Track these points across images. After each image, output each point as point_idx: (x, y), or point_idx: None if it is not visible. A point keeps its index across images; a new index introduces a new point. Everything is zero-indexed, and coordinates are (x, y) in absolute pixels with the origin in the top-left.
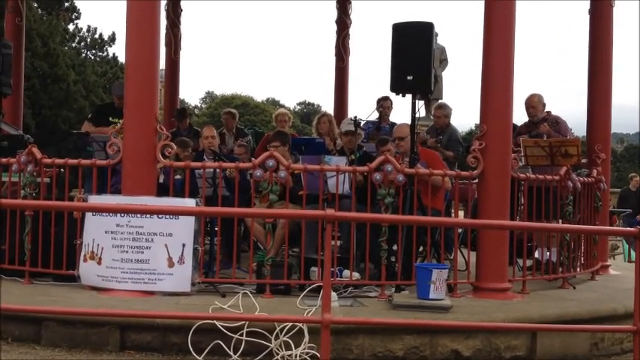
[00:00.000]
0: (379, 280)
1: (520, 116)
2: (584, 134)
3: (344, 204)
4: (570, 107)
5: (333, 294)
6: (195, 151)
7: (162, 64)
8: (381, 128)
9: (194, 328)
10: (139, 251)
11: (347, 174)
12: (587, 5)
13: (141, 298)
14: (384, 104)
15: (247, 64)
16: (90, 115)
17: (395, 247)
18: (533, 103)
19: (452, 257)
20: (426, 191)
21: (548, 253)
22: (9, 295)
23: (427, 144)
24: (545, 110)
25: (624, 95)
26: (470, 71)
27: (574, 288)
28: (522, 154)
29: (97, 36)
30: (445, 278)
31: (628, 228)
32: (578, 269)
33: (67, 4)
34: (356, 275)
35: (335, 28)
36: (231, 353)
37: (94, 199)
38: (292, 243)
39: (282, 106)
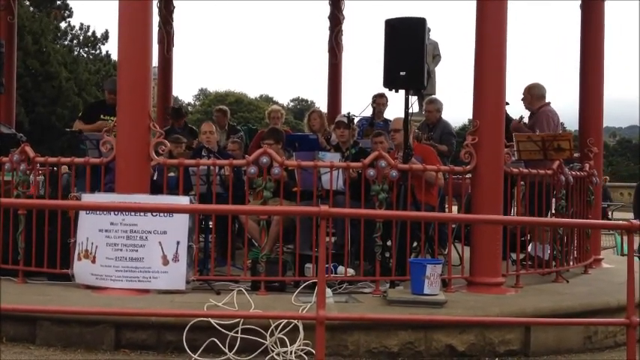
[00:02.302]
0: (374, 276)
1: (513, 112)
2: (577, 128)
3: (338, 200)
4: (562, 101)
5: (328, 290)
6: (191, 149)
7: (154, 61)
8: (374, 124)
9: (189, 325)
10: (134, 249)
11: (341, 170)
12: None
13: (135, 296)
14: (378, 101)
15: (240, 61)
16: (81, 114)
17: (389, 243)
18: (523, 93)
19: (446, 252)
20: (420, 187)
21: (541, 247)
22: (3, 294)
23: (420, 140)
24: (546, 102)
25: (616, 89)
26: (462, 66)
27: (567, 282)
28: (515, 148)
29: (89, 34)
30: (439, 273)
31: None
32: (572, 263)
33: (59, 2)
34: (350, 271)
35: (328, 24)
36: (227, 351)
37: (88, 198)
38: (287, 240)
39: (276, 103)
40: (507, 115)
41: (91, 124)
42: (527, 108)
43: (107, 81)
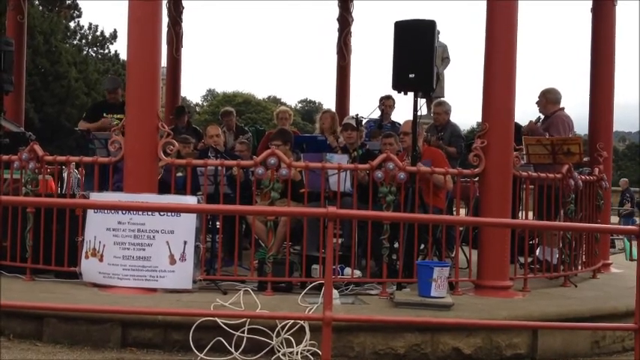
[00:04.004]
0: (381, 278)
1: (521, 115)
2: (586, 132)
3: (345, 202)
4: (572, 105)
5: (335, 292)
6: (196, 149)
7: (163, 61)
8: (382, 126)
9: (195, 325)
10: (141, 248)
11: (348, 172)
12: (589, 4)
13: (142, 295)
14: (386, 103)
15: (249, 61)
16: (85, 114)
17: (396, 245)
18: (539, 97)
19: (453, 255)
20: (428, 189)
21: (550, 251)
22: (10, 291)
23: (430, 143)
24: (560, 107)
25: (626, 93)
26: (472, 69)
27: (575, 286)
28: (524, 152)
29: (98, 33)
30: (446, 276)
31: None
32: (580, 267)
33: (68, 1)
34: (357, 273)
35: (337, 25)
36: (233, 350)
37: (96, 197)
38: (294, 241)
39: (284, 104)
40: (515, 122)
41: (94, 123)
42: (541, 112)
43: (106, 81)
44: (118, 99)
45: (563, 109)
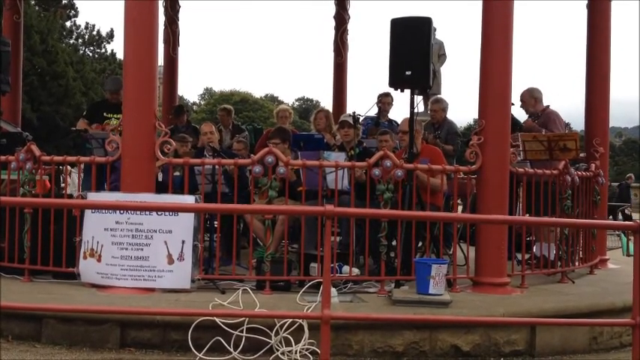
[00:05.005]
0: (379, 276)
1: (518, 112)
2: (583, 128)
3: (343, 200)
4: (568, 101)
5: (333, 290)
6: (195, 148)
7: (160, 60)
8: (379, 124)
9: (194, 324)
10: (139, 248)
11: (346, 170)
12: (585, 0)
13: (141, 295)
14: (384, 100)
15: (246, 60)
16: (84, 113)
17: (394, 243)
18: (524, 98)
19: (451, 252)
20: (425, 187)
21: (547, 247)
22: (9, 292)
23: (427, 140)
24: (545, 104)
25: (622, 89)
26: (468, 66)
27: (573, 282)
28: (521, 148)
29: (94, 33)
30: (444, 273)
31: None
32: (577, 263)
33: (64, 1)
34: (355, 271)
35: (333, 23)
36: (231, 350)
37: (93, 197)
38: (292, 239)
39: (281, 102)
40: (512, 116)
41: (95, 124)
42: (528, 111)
43: (107, 81)
44: (120, 99)
45: (549, 106)
